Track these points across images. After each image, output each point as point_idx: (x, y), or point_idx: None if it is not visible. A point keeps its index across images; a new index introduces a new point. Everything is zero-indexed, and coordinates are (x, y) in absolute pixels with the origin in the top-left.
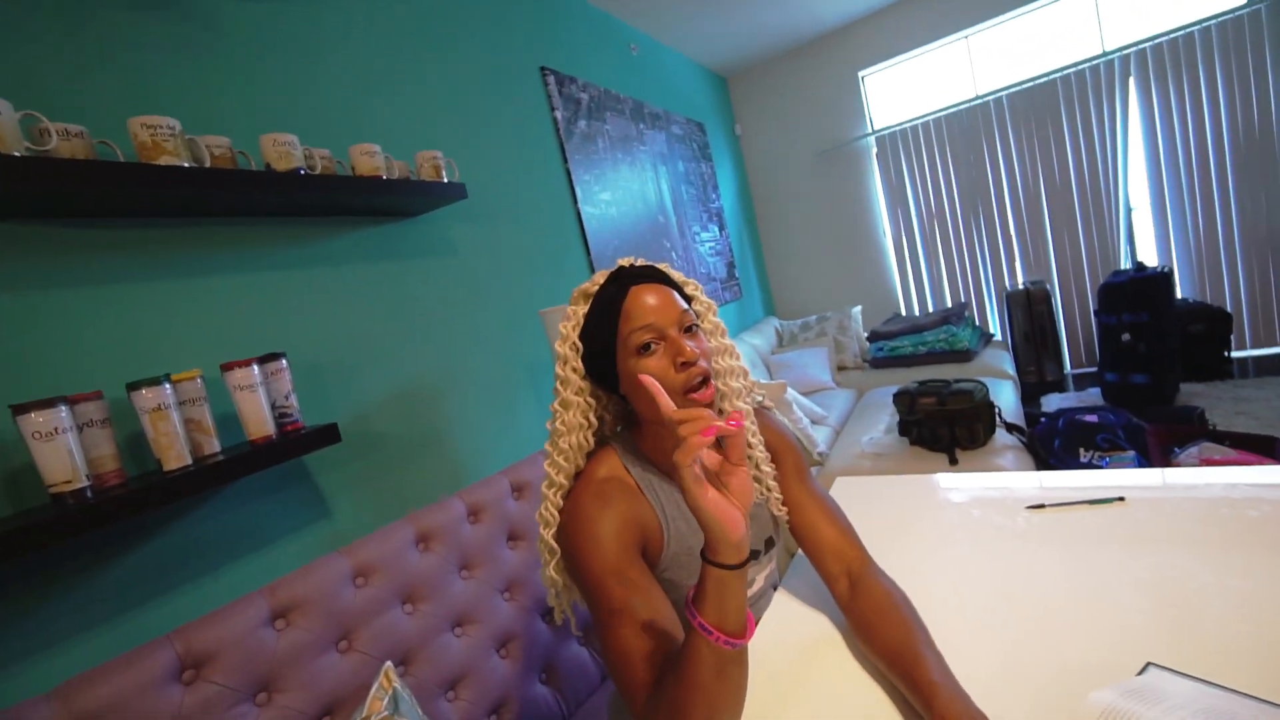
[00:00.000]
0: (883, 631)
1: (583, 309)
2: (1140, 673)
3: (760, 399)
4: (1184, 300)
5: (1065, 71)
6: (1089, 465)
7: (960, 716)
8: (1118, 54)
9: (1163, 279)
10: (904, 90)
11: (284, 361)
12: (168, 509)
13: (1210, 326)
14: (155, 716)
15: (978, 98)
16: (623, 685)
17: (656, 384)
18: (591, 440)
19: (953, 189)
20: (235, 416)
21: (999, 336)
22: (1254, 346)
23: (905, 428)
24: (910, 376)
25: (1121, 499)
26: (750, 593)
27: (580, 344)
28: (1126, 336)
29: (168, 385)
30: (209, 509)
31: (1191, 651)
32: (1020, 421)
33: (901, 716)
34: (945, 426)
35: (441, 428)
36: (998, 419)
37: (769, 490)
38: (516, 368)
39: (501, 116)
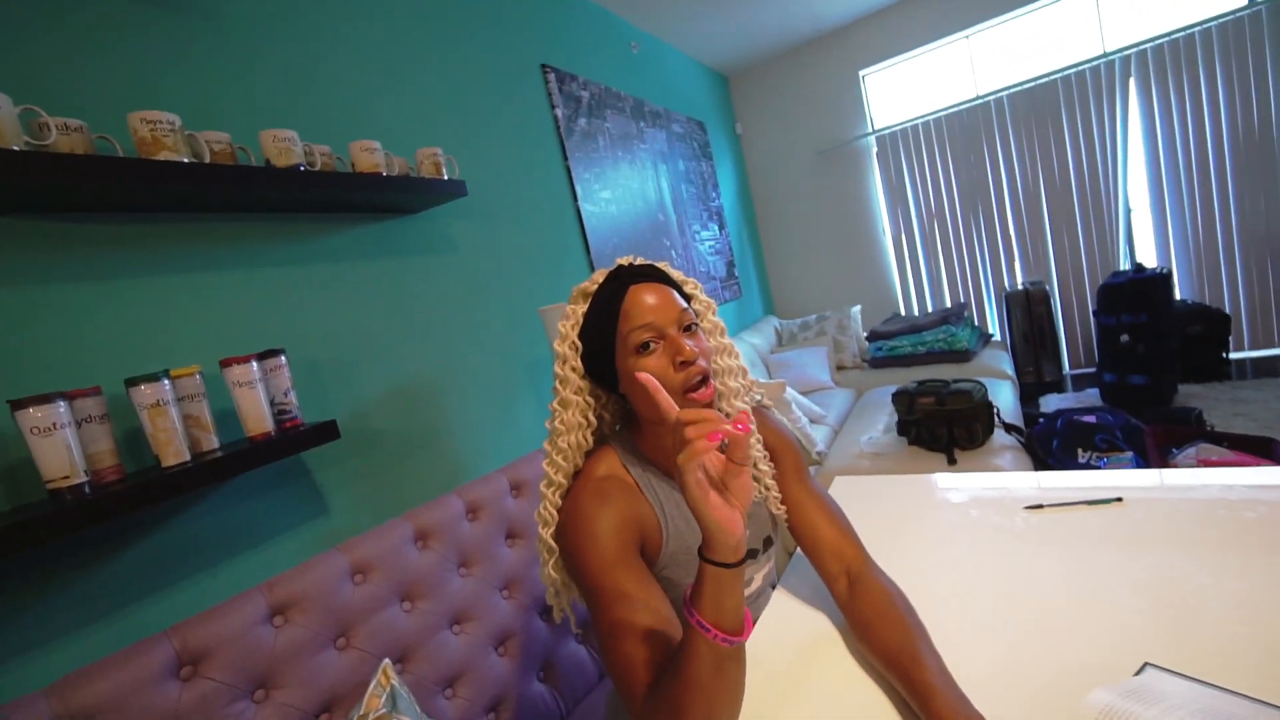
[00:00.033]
0: (881, 631)
1: (582, 308)
2: (1138, 673)
3: (759, 398)
4: (1183, 301)
5: (1066, 72)
6: (1087, 466)
7: (958, 717)
8: (1118, 54)
9: (1162, 280)
10: (904, 90)
11: (283, 358)
12: (166, 505)
13: (1209, 328)
14: (153, 713)
15: (978, 98)
16: (621, 684)
17: (655, 383)
18: (590, 439)
19: (953, 189)
20: (234, 413)
21: (998, 337)
22: (1252, 348)
23: (904, 427)
24: (909, 376)
25: (1119, 500)
26: (748, 592)
27: (579, 343)
28: (1125, 337)
29: (166, 381)
30: (207, 505)
31: (1189, 652)
32: (1019, 422)
33: (899, 716)
34: (944, 426)
35: (440, 425)
36: (996, 419)
37: (767, 489)
38: (516, 366)
39: (502, 114)
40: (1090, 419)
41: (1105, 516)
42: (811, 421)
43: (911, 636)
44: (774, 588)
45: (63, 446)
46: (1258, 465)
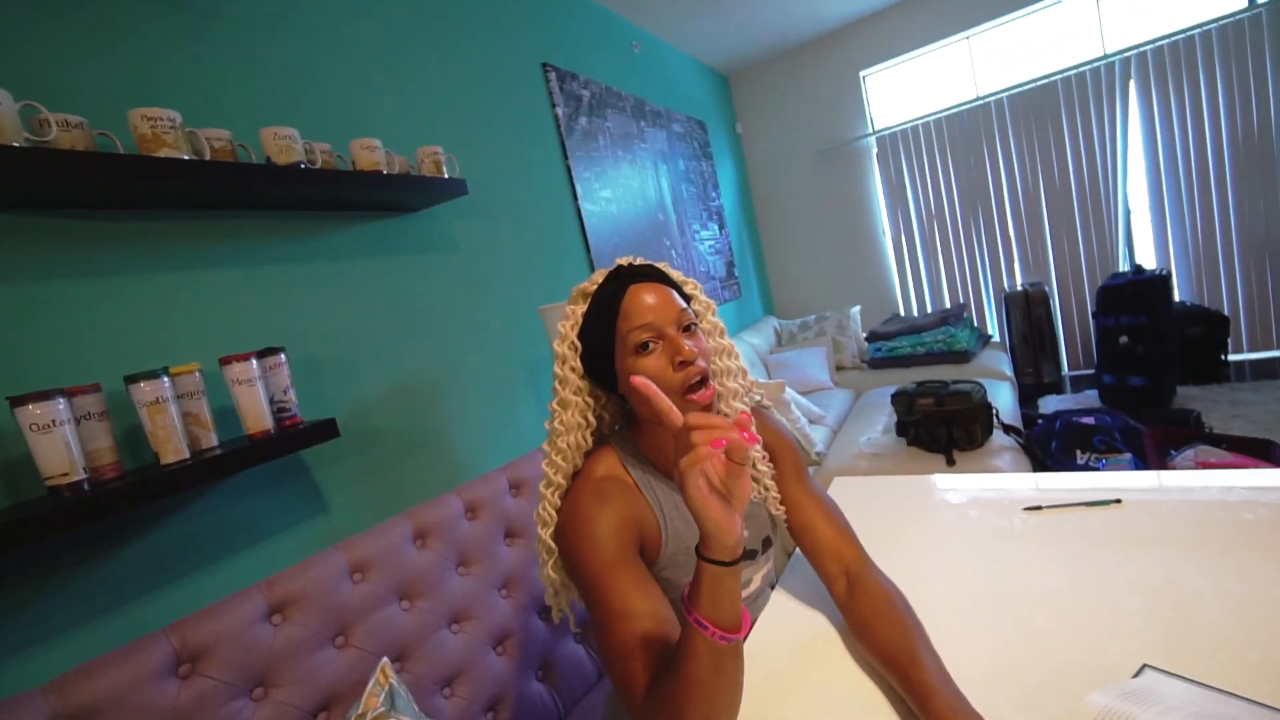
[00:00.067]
0: (880, 631)
1: (581, 308)
2: (1136, 675)
3: (759, 398)
4: (1182, 303)
5: (1066, 73)
6: (1086, 467)
7: (956, 717)
8: (1118, 56)
9: (1161, 282)
10: (905, 90)
11: (283, 356)
12: (165, 503)
13: (1208, 330)
14: (151, 710)
15: (978, 99)
16: (620, 683)
17: (653, 387)
18: (590, 440)
19: (952, 190)
20: (233, 410)
21: (997, 338)
22: (1251, 350)
23: (903, 428)
24: (908, 377)
25: (1118, 501)
26: (747, 592)
27: (579, 343)
28: (1124, 339)
29: (166, 378)
30: (206, 503)
31: (1187, 654)
32: (1017, 423)
33: (898, 716)
34: (943, 427)
35: (440, 424)
36: (995, 420)
37: (766, 490)
38: (516, 365)
39: (502, 113)
40: (1089, 420)
41: (1104, 518)
42: (810, 422)
43: (910, 637)
44: (773, 588)
45: (62, 443)
46: (1256, 467)
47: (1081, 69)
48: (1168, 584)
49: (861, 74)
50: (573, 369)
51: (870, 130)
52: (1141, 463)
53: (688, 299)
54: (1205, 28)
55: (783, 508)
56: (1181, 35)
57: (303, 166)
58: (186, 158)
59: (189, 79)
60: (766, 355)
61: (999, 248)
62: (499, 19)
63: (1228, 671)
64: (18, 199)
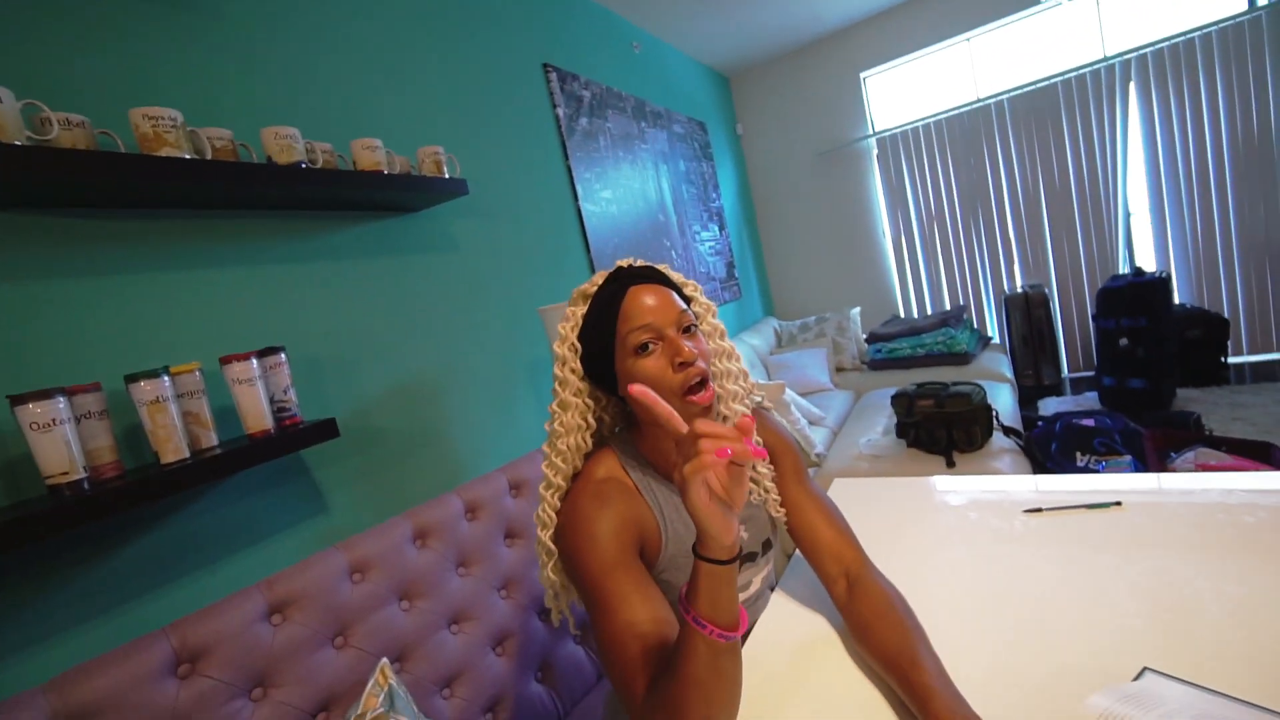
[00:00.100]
0: (880, 633)
1: (581, 309)
2: (1137, 678)
3: (759, 400)
4: (1182, 306)
5: (1066, 75)
6: (1085, 469)
7: (956, 719)
8: (1118, 59)
9: (1161, 284)
10: (905, 92)
11: (283, 355)
12: (165, 502)
13: (1208, 332)
14: (151, 710)
15: (978, 101)
16: (619, 685)
17: (652, 394)
18: (589, 442)
19: (953, 191)
20: (234, 410)
21: (997, 340)
22: (1251, 352)
23: (903, 430)
24: (908, 379)
25: (1119, 504)
26: (747, 595)
27: (579, 344)
28: (1124, 341)
29: (166, 378)
30: (206, 502)
31: (1187, 656)
32: (1017, 425)
33: (897, 718)
34: (943, 429)
35: (440, 424)
36: (995, 422)
37: (766, 492)
38: (516, 365)
39: (503, 113)
40: (1089, 423)
41: (1104, 520)
42: (810, 423)
43: (910, 639)
44: (773, 590)
45: (62, 442)
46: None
47: (1082, 71)
48: (1168, 586)
49: (862, 75)
50: (573, 370)
51: (870, 131)
52: (1141, 465)
53: (688, 301)
54: (1205, 30)
55: (783, 510)
56: (1182, 38)
57: (304, 166)
58: (188, 157)
59: (190, 78)
60: (766, 356)
61: (999, 249)
62: (500, 19)
63: (1228, 674)
64: (19, 197)
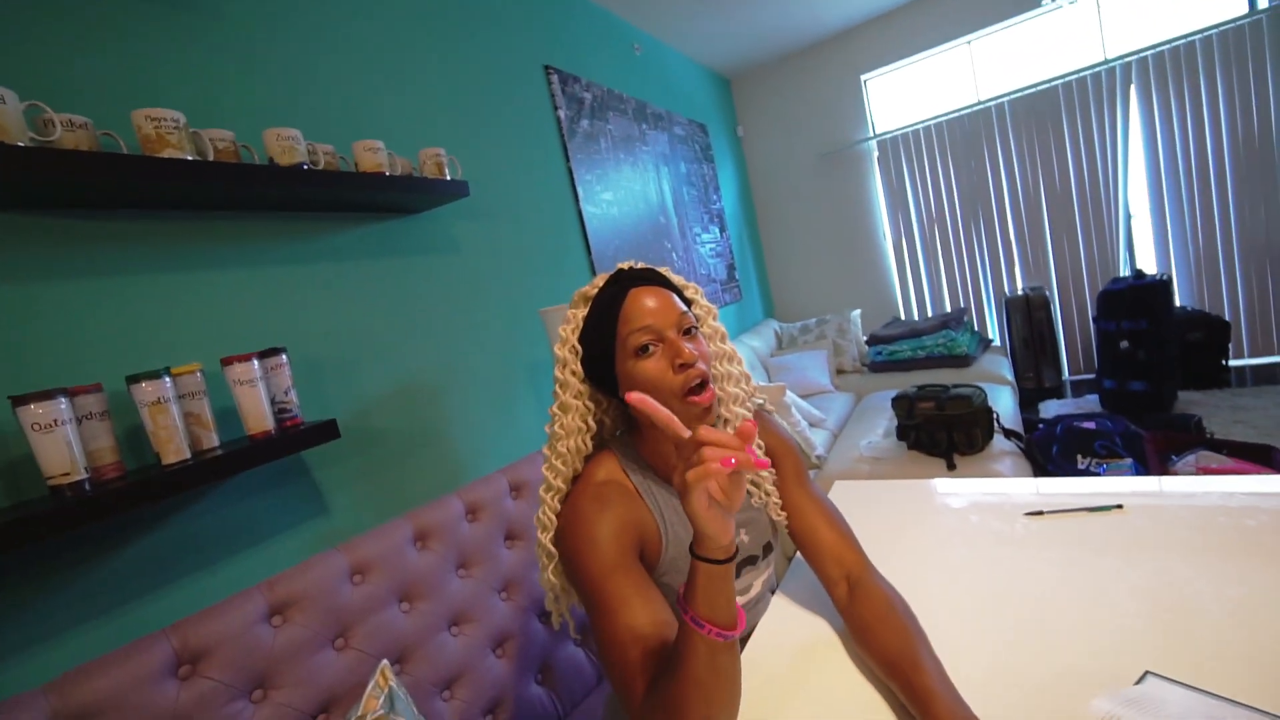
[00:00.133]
0: (882, 636)
1: (582, 312)
2: (1139, 681)
3: (761, 402)
4: (1183, 308)
5: (1067, 78)
6: (1086, 472)
7: None
8: (1119, 61)
9: (1162, 287)
10: (906, 94)
11: (284, 357)
12: (166, 503)
13: (1209, 335)
14: (151, 711)
15: (979, 103)
16: (619, 687)
17: (652, 402)
18: (589, 444)
19: (953, 194)
20: (235, 411)
21: (998, 342)
22: (1252, 355)
23: (903, 432)
24: (909, 381)
25: (1120, 507)
26: (748, 597)
27: (579, 347)
28: (1125, 344)
29: (167, 379)
30: (207, 503)
31: (1190, 660)
32: (1018, 427)
33: None
34: (944, 431)
35: (441, 425)
36: (996, 425)
37: (767, 495)
38: (516, 366)
39: (505, 115)
40: (1090, 425)
41: (1105, 523)
42: (811, 425)
43: (912, 642)
44: (773, 593)
45: (63, 443)
46: (1258, 473)
47: (1082, 74)
48: (1169, 589)
49: (863, 77)
50: (573, 373)
51: (871, 134)
52: (1142, 468)
53: (688, 303)
54: (1206, 33)
55: (784, 513)
56: (1182, 40)
57: (305, 168)
58: (190, 158)
59: (190, 79)
60: (767, 358)
61: (999, 252)
62: (501, 21)
63: (1229, 678)
64: (22, 198)
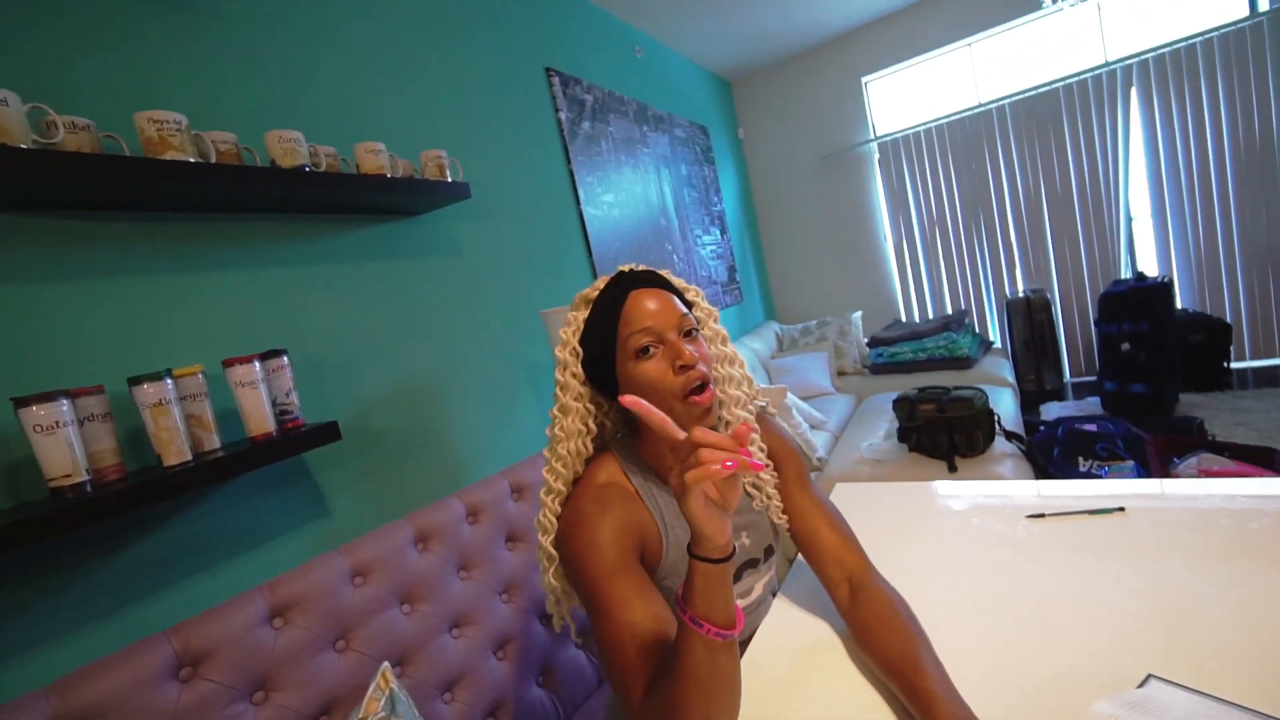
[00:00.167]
0: (884, 639)
1: (583, 314)
2: (1141, 684)
3: (763, 405)
4: (1184, 310)
5: (1068, 80)
6: (1088, 474)
7: None
8: (1120, 64)
9: (1163, 289)
10: (907, 97)
11: (285, 358)
12: (167, 505)
13: (1210, 337)
14: (152, 713)
15: (980, 105)
16: (619, 689)
17: (644, 404)
18: (590, 446)
19: (954, 196)
20: (236, 413)
21: (999, 344)
22: (1253, 358)
23: (905, 434)
24: (910, 383)
25: (1122, 509)
26: (749, 600)
27: (580, 349)
28: (1126, 346)
29: (169, 380)
30: (208, 505)
31: (1192, 663)
32: (1019, 429)
33: None
34: (945, 433)
35: (442, 427)
36: (997, 427)
37: (769, 498)
38: (517, 368)
39: (506, 117)
40: (1091, 427)
41: (1107, 526)
42: (812, 427)
43: (914, 644)
44: (775, 595)
45: (65, 445)
46: (1260, 476)
47: (1083, 76)
48: (1171, 592)
49: (864, 80)
50: (574, 375)
51: (872, 136)
52: (1144, 470)
53: (689, 305)
54: (1207, 36)
55: (785, 516)
56: (1183, 43)
57: (307, 170)
58: (192, 160)
59: (190, 80)
60: (768, 360)
61: (1000, 254)
62: (502, 23)
63: (1233, 681)
64: (25, 200)
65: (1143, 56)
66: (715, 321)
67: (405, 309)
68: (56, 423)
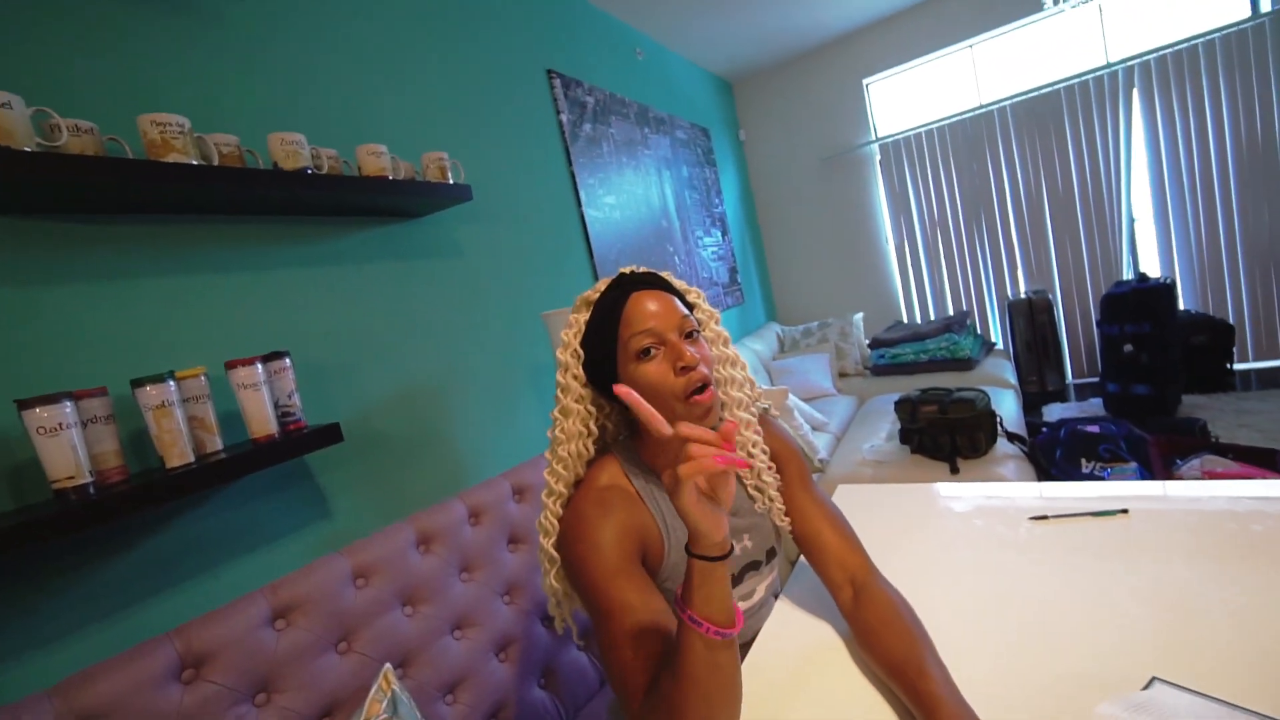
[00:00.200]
0: (887, 641)
1: (584, 316)
2: (1145, 687)
3: (766, 407)
4: (1186, 312)
5: (1069, 82)
6: (1090, 476)
7: None
8: (1121, 65)
9: (1165, 290)
10: (908, 98)
11: (287, 360)
12: (169, 506)
13: (1213, 338)
14: (155, 715)
15: (981, 107)
16: (620, 690)
17: (635, 395)
18: (591, 448)
19: (955, 197)
20: (238, 414)
21: (1000, 345)
22: (1256, 359)
23: (906, 435)
24: (912, 384)
25: (1125, 511)
26: (751, 603)
27: (581, 351)
28: (1128, 347)
29: (172, 382)
30: (211, 507)
31: (1196, 665)
32: (1022, 431)
33: None
34: (947, 435)
35: (443, 429)
36: (999, 428)
37: (771, 501)
38: (519, 370)
39: (507, 119)
40: (1094, 429)
41: (1110, 528)
42: (814, 429)
43: (917, 647)
44: (777, 597)
45: (68, 446)
46: (1264, 477)
47: (1085, 77)
48: (1175, 595)
49: (865, 81)
50: (574, 377)
51: (874, 137)
52: (1147, 472)
53: (690, 307)
54: (1208, 37)
55: (788, 518)
56: (1185, 44)
57: (309, 172)
58: (195, 163)
59: (190, 82)
60: (769, 362)
61: (1002, 255)
62: (504, 25)
63: (1237, 684)
64: (29, 203)
65: (1144, 57)
66: (716, 323)
67: (407, 310)
68: (60, 424)
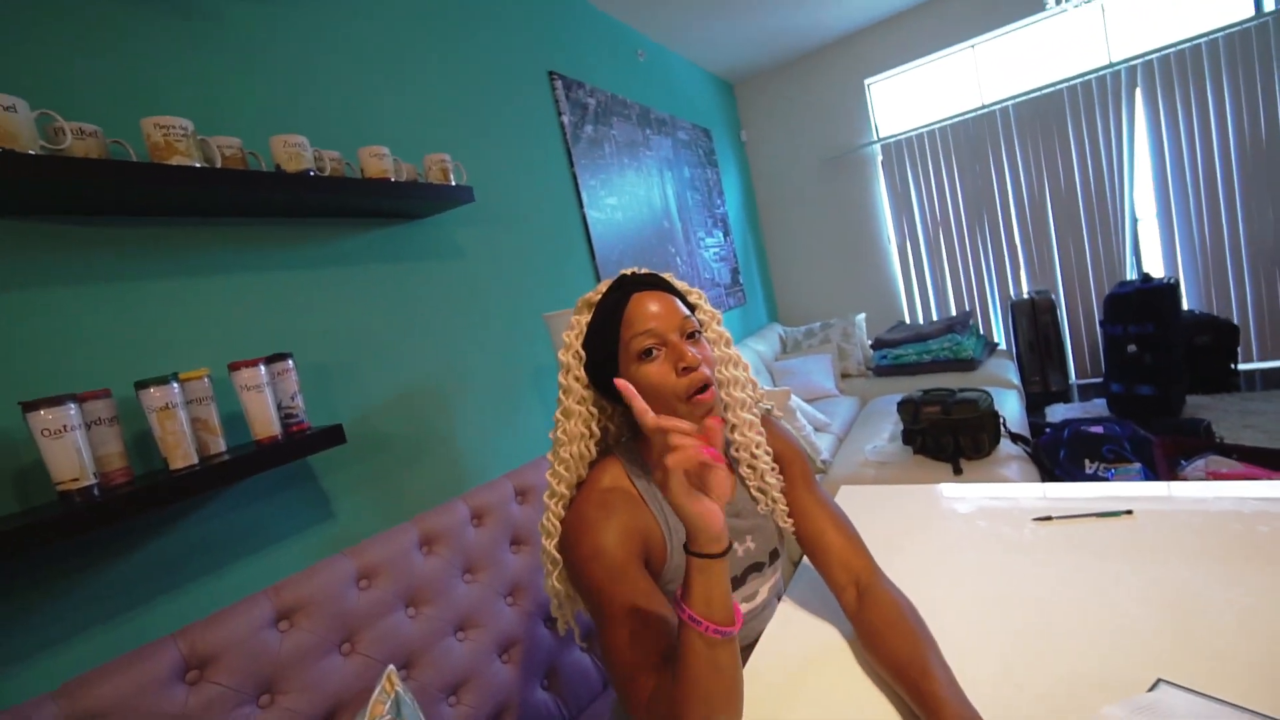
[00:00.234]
0: (891, 642)
1: (586, 317)
2: (1151, 689)
3: (769, 408)
4: (1190, 312)
5: (1072, 82)
6: (1094, 477)
7: None
8: (1124, 65)
9: (1169, 290)
10: (910, 98)
11: (290, 362)
12: (174, 508)
13: (1217, 338)
14: (159, 716)
15: (983, 107)
16: (623, 692)
17: (631, 388)
18: (593, 450)
19: (958, 197)
20: (241, 416)
21: (1003, 346)
22: (1261, 359)
23: (909, 436)
24: (914, 385)
25: (1129, 512)
26: (754, 604)
27: (583, 352)
28: (1132, 348)
29: (175, 384)
30: (214, 508)
31: (1201, 667)
32: (1025, 432)
33: None
34: (950, 436)
35: (446, 430)
36: (1003, 429)
37: (774, 502)
38: (521, 371)
39: (509, 120)
40: (1097, 430)
41: (1114, 529)
42: (816, 430)
43: (921, 648)
44: (780, 599)
45: (72, 448)
46: (1269, 478)
47: (1087, 77)
48: (1180, 596)
49: (866, 82)
50: (576, 378)
51: (875, 138)
52: (1151, 473)
53: (692, 308)
54: (1212, 36)
55: (791, 519)
56: (1188, 44)
57: (312, 174)
58: (198, 165)
59: (191, 84)
60: (771, 362)
61: (1005, 255)
62: (506, 27)
63: (1242, 685)
64: (32, 205)
65: (1147, 57)
66: (718, 324)
67: (409, 312)
68: (64, 427)
